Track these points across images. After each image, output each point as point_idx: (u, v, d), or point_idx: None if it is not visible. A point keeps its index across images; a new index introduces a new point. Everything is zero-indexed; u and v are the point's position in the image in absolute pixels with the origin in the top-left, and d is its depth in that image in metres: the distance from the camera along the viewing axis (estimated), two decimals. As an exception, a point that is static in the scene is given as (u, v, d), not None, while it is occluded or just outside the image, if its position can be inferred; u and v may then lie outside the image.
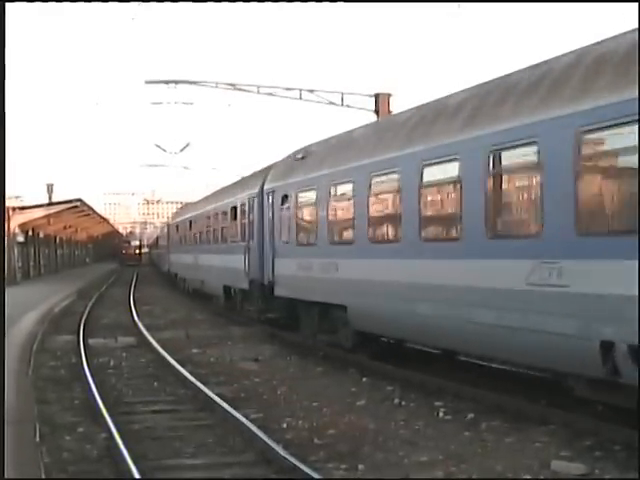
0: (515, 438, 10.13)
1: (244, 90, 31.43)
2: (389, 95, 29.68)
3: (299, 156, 19.58)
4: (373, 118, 29.06)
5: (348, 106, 30.33)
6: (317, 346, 18.20)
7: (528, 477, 8.59)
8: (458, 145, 12.03)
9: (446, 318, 12.35)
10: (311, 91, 30.73)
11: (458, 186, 12.03)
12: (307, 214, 18.32)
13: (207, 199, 36.65)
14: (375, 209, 14.84)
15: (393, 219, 14.22)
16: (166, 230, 56.57)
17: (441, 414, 11.70)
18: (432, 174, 12.89)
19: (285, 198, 19.59)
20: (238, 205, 25.30)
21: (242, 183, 27.23)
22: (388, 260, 14.20)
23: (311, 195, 17.81)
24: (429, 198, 13.33)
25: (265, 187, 21.47)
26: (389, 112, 28.67)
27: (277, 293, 20.15)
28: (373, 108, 29.58)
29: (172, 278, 49.03)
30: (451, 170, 12.25)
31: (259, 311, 22.47)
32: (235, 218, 25.85)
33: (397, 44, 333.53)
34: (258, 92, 31.17)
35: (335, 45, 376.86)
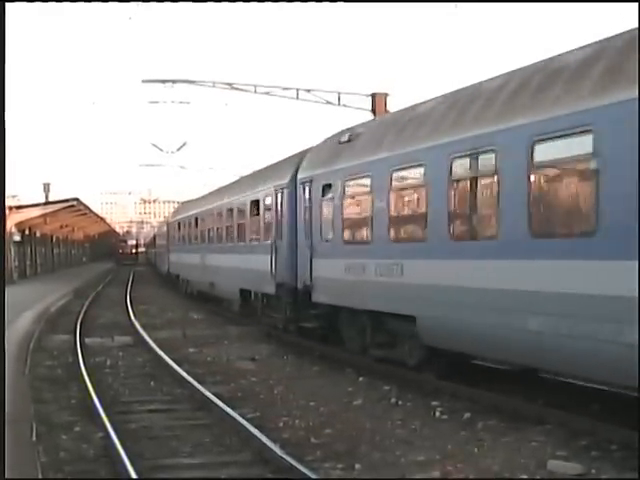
0: (512, 438, 10.14)
1: (241, 90, 31.40)
2: (386, 95, 29.68)
3: (344, 138, 16.77)
4: (369, 118, 29.07)
5: (345, 106, 30.32)
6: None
7: (525, 477, 8.59)
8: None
9: (577, 338, 9.63)
10: (308, 91, 30.71)
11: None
12: (358, 206, 15.66)
13: (217, 194, 32.80)
14: (460, 198, 12.23)
15: (487, 210, 11.67)
16: (165, 228, 53.07)
17: (438, 414, 11.71)
18: (550, 153, 10.34)
19: (327, 188, 16.85)
20: (261, 199, 22.24)
21: (264, 174, 23.73)
22: (481, 262, 11.45)
23: (364, 183, 15.13)
24: (545, 183, 10.60)
25: (299, 176, 18.67)
26: (385, 112, 28.69)
27: (315, 299, 17.48)
28: (370, 108, 29.58)
29: (172, 279, 45.86)
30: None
31: (287, 320, 19.81)
32: (256, 213, 22.75)
33: (394, 44, 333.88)
34: (255, 92, 31.13)
35: (332, 45, 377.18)
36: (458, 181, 12.14)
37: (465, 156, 11.89)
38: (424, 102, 14.63)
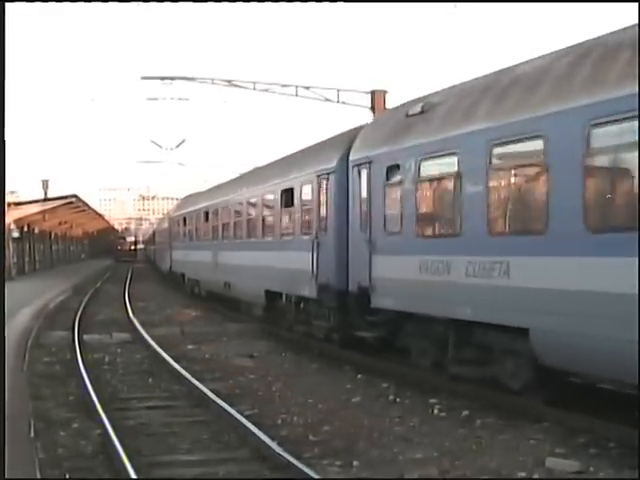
0: (510, 435, 10.15)
1: (240, 86, 31.38)
2: (385, 92, 29.66)
3: (415, 110, 13.89)
4: (369, 115, 29.08)
5: (344, 103, 30.31)
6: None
7: (523, 474, 8.60)
8: None
9: None
10: (307, 88, 30.70)
11: None
12: (440, 191, 12.95)
13: (233, 185, 29.36)
14: (599, 179, 9.72)
15: None
16: (166, 224, 49.53)
17: (436, 411, 11.71)
18: None
19: (394, 170, 14.05)
20: (296, 187, 19.16)
21: (299, 159, 20.56)
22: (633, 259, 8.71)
23: (448, 163, 12.42)
24: None
25: (351, 158, 15.86)
26: (385, 109, 28.69)
27: (376, 304, 14.67)
28: (369, 105, 29.57)
29: (175, 278, 42.44)
30: None
31: (332, 328, 17.18)
32: (290, 204, 19.60)
33: (393, 42, 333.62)
34: (254, 88, 31.12)
35: (331, 42, 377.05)
36: (599, 155, 9.59)
37: (621, 120, 9.09)
38: (530, 60, 11.87)
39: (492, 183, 11.31)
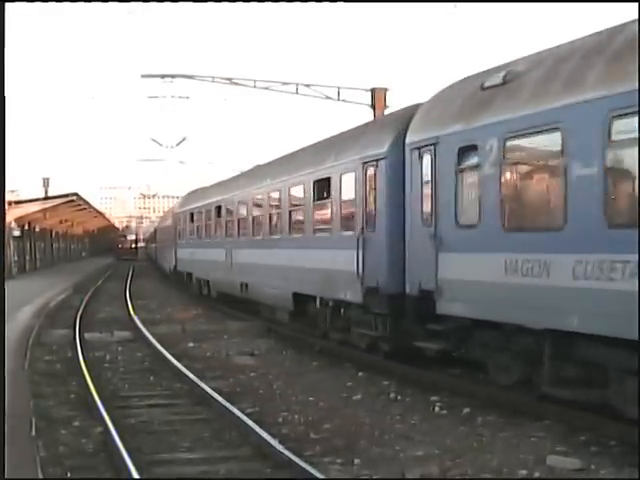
0: (511, 433, 10.14)
1: (240, 84, 31.39)
2: (385, 90, 29.65)
3: (495, 81, 11.79)
4: (369, 113, 29.08)
5: (344, 101, 30.31)
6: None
7: (524, 472, 8.60)
8: None
9: None
10: (307, 85, 30.70)
11: None
12: (535, 175, 11.14)
13: (250, 176, 26.82)
14: None
15: None
16: (170, 221, 46.59)
17: (437, 409, 11.71)
18: None
19: (468, 152, 11.99)
20: (333, 177, 16.91)
21: (334, 145, 18.13)
22: None
23: (547, 141, 10.42)
24: None
25: (409, 140, 13.72)
26: (385, 107, 28.70)
27: (444, 310, 12.45)
28: (369, 103, 29.56)
29: (180, 278, 39.73)
30: None
31: (380, 338, 15.03)
32: (325, 196, 17.48)
33: (393, 41, 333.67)
34: (254, 86, 31.12)
35: (332, 41, 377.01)
36: None
37: None
38: None
39: (612, 163, 9.25)
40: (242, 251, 25.22)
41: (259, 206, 23.25)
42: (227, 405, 11.45)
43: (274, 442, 9.36)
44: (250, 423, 10.30)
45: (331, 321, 17.31)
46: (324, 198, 17.58)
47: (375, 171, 14.81)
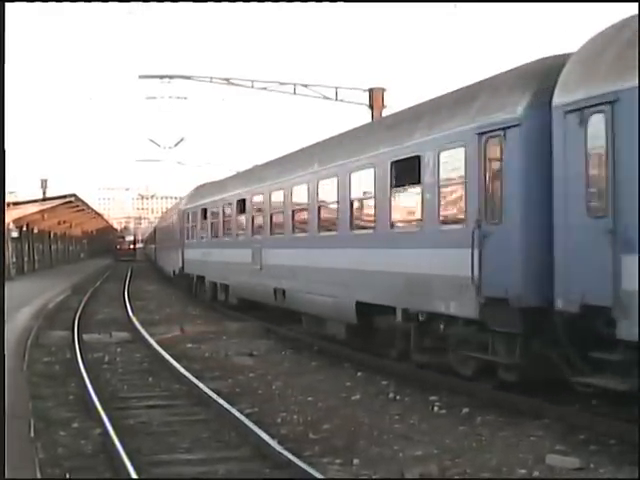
0: (510, 432, 10.15)
1: (238, 85, 31.39)
2: (383, 90, 29.65)
3: None
4: (367, 113, 29.09)
5: (342, 101, 30.31)
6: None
7: (523, 471, 8.61)
8: None
9: None
10: (305, 86, 30.70)
11: None
12: None
13: (287, 163, 21.99)
14: None
15: None
16: (174, 219, 42.61)
17: (436, 408, 11.72)
18: None
19: None
20: (426, 155, 13.11)
21: (423, 113, 14.24)
22: None
23: None
24: None
25: (560, 100, 10.18)
26: (383, 107, 28.71)
27: (628, 334, 8.96)
28: (367, 103, 29.57)
29: (188, 282, 35.97)
30: None
31: (507, 365, 11.50)
32: (411, 181, 13.74)
33: (391, 41, 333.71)
34: (252, 87, 31.12)
35: (329, 41, 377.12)
36: None
37: None
38: None
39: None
40: (277, 251, 21.18)
41: (303, 198, 19.17)
42: (226, 406, 11.44)
43: (273, 442, 9.37)
44: (249, 423, 10.30)
45: (416, 339, 13.85)
46: (409, 183, 13.96)
47: (501, 143, 11.35)
